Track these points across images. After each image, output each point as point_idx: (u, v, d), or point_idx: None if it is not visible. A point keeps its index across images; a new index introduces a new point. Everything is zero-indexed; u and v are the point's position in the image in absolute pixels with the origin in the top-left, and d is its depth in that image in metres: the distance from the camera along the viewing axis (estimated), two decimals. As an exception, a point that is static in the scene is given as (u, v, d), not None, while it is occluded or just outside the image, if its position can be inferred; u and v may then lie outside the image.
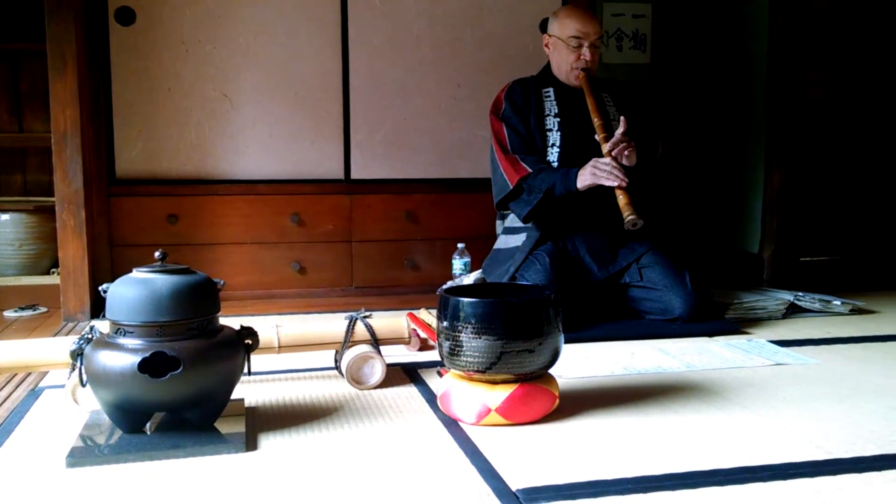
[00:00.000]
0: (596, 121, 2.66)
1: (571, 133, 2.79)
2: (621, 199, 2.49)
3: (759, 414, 1.77)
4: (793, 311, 2.89)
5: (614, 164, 2.54)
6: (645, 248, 2.76)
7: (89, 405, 1.74)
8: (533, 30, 3.49)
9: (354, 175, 3.39)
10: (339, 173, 3.38)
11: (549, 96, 2.86)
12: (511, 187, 2.70)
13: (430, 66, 3.42)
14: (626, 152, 2.57)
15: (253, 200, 3.31)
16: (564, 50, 2.81)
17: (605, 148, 2.58)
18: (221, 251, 3.30)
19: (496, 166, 2.79)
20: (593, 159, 2.59)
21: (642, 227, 2.46)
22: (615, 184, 2.51)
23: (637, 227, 2.46)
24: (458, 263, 3.08)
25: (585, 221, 2.77)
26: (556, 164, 2.77)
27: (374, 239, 3.43)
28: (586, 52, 2.78)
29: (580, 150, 2.75)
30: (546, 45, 2.90)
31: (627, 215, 2.45)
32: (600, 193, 2.59)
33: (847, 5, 3.63)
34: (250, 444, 1.58)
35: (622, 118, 2.59)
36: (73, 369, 1.59)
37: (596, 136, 2.64)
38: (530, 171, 2.69)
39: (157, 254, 1.61)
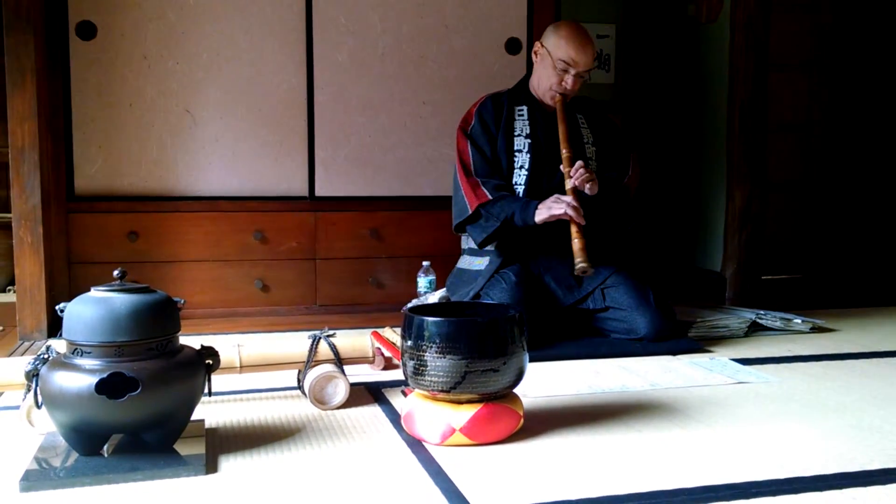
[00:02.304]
0: (564, 152, 2.64)
1: (541, 156, 2.78)
2: (576, 242, 2.52)
3: (721, 432, 1.78)
4: (755, 329, 2.92)
5: (574, 202, 2.54)
6: (610, 270, 2.76)
7: (45, 427, 1.70)
8: (498, 48, 3.51)
9: (319, 192, 3.37)
10: (303, 190, 3.37)
11: (522, 115, 2.82)
12: (470, 212, 2.70)
13: (395, 84, 3.42)
14: (587, 184, 2.59)
15: (215, 217, 3.28)
16: (550, 67, 2.74)
17: (568, 184, 2.59)
18: (183, 269, 3.25)
19: (458, 187, 2.78)
20: (554, 195, 2.60)
21: (605, 253, 2.48)
22: (572, 215, 2.52)
23: (586, 274, 2.51)
24: (422, 281, 3.07)
25: (548, 248, 2.76)
26: (523, 187, 2.76)
27: (338, 256, 3.41)
28: (569, 80, 2.71)
29: (549, 173, 2.76)
30: (535, 52, 2.83)
31: (579, 262, 2.49)
32: (561, 223, 2.60)
33: (807, 26, 3.70)
34: (210, 466, 1.55)
35: (579, 163, 2.59)
36: (29, 390, 1.55)
37: (561, 167, 2.64)
38: (490, 197, 2.68)
39: (115, 272, 1.58)
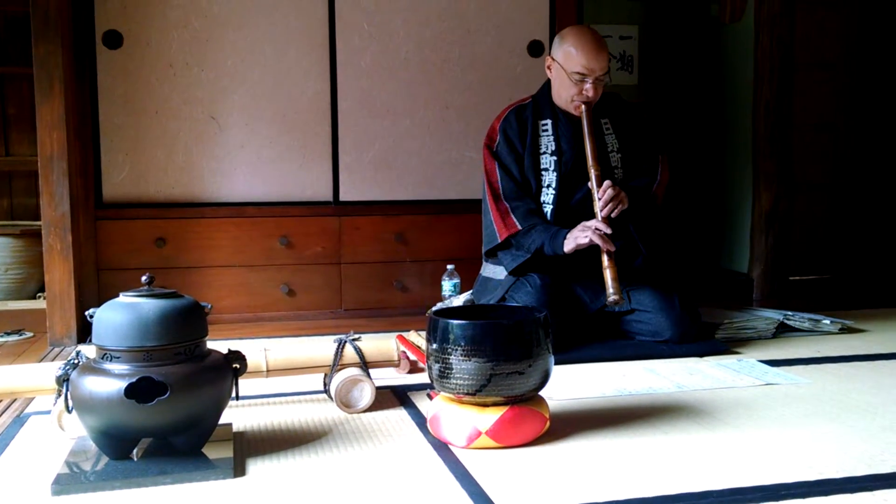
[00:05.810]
0: (593, 172, 2.56)
1: (567, 172, 2.71)
2: (608, 273, 2.46)
3: (750, 434, 1.77)
4: (782, 330, 2.90)
5: (603, 227, 2.48)
6: (635, 275, 2.73)
7: (75, 431, 1.72)
8: (520, 51, 3.51)
9: (343, 197, 3.39)
10: (327, 195, 3.38)
11: (547, 130, 2.74)
12: (499, 241, 2.68)
13: (418, 88, 3.43)
14: (615, 209, 2.54)
15: (241, 223, 3.30)
16: (566, 80, 2.64)
17: (597, 206, 2.54)
18: (209, 274, 3.28)
19: (487, 211, 2.74)
20: (581, 223, 2.55)
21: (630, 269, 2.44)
22: (598, 243, 2.46)
23: (618, 305, 2.47)
24: (447, 285, 3.07)
25: (577, 268, 2.71)
26: (551, 206, 2.70)
27: (363, 261, 3.42)
28: (589, 89, 2.61)
29: (576, 188, 2.71)
30: (548, 67, 2.75)
31: (611, 294, 2.44)
32: (592, 252, 2.54)
33: (833, 24, 3.67)
34: (238, 469, 1.56)
35: (606, 183, 2.53)
36: (59, 395, 1.57)
37: (589, 184, 2.58)
38: (519, 228, 2.64)
39: (143, 278, 1.60)
